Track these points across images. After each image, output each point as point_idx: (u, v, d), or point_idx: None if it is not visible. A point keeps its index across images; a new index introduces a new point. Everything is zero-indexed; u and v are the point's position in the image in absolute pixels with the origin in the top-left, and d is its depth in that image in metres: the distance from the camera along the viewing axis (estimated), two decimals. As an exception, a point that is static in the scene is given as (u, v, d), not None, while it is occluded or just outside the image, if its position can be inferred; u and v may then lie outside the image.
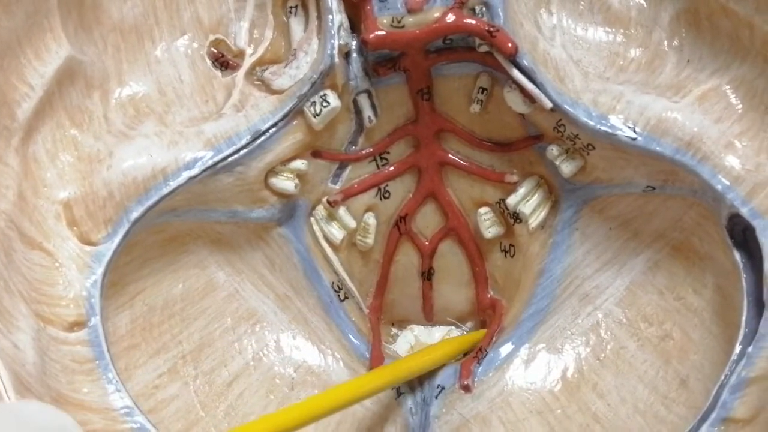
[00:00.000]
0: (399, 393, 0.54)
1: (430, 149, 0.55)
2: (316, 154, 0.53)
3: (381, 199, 0.56)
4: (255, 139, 0.50)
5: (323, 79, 0.50)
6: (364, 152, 0.54)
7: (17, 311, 0.44)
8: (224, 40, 0.53)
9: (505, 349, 0.54)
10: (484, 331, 0.57)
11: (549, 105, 0.49)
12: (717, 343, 0.49)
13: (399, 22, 0.50)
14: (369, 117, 0.53)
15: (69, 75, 0.49)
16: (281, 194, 0.53)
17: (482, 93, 0.52)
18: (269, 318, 0.55)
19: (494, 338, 0.55)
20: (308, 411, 0.44)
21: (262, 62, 0.53)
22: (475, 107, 0.53)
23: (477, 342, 0.55)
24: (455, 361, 0.55)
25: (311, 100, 0.50)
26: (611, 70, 0.51)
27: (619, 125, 0.48)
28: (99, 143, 0.49)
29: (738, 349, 0.45)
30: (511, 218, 0.55)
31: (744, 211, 0.46)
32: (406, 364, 0.53)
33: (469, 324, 0.60)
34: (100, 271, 0.47)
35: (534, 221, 0.53)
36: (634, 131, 0.48)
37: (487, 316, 0.58)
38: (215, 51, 0.53)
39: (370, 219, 0.56)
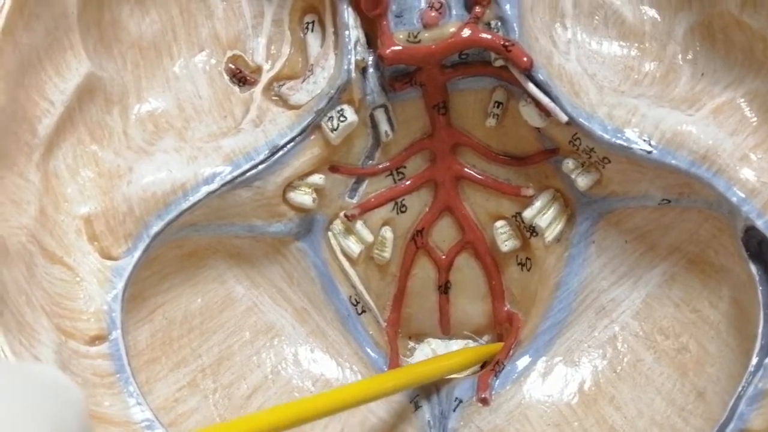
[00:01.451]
0: (417, 406, 0.54)
1: (446, 163, 0.55)
2: (334, 168, 0.53)
3: (398, 213, 0.56)
4: (273, 154, 0.50)
5: (340, 94, 0.50)
6: (380, 167, 0.55)
7: (39, 325, 0.44)
8: (242, 56, 0.53)
9: (522, 362, 0.54)
10: (502, 344, 0.57)
11: (564, 119, 0.49)
12: (734, 355, 0.49)
13: (415, 37, 0.50)
14: (386, 131, 0.53)
15: (89, 91, 0.49)
16: (299, 209, 0.53)
17: (498, 107, 0.53)
18: (287, 331, 0.55)
19: (511, 351, 0.55)
20: (320, 405, 0.44)
21: (279, 78, 0.53)
22: (491, 121, 0.53)
23: (494, 353, 0.55)
24: (472, 373, 0.55)
25: (328, 115, 0.51)
26: (626, 83, 0.51)
27: (635, 138, 0.48)
28: (119, 159, 0.49)
29: (755, 360, 0.45)
30: (527, 231, 0.55)
31: (759, 224, 0.46)
32: (421, 368, 0.53)
33: (486, 337, 0.60)
34: (120, 285, 0.47)
35: (550, 234, 0.54)
36: (650, 144, 0.48)
37: (504, 330, 0.58)
38: (233, 67, 0.53)
39: (387, 233, 0.56)
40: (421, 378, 0.52)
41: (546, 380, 0.53)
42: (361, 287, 0.56)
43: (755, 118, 0.48)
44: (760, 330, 0.46)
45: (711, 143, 0.47)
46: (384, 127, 0.53)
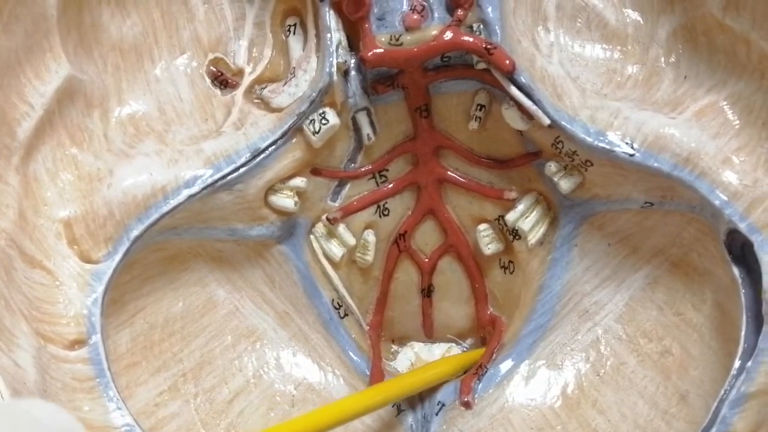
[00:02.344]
0: (400, 410, 0.54)
1: (428, 166, 0.55)
2: (316, 171, 0.53)
3: (380, 216, 0.56)
4: (254, 157, 0.50)
5: (322, 97, 0.50)
6: (363, 170, 0.54)
7: (18, 330, 0.44)
8: (223, 58, 0.53)
9: (506, 365, 0.54)
10: (484, 349, 0.57)
11: (547, 122, 0.49)
12: (716, 358, 0.49)
13: (397, 39, 0.50)
14: (368, 134, 0.53)
15: (69, 94, 0.49)
16: (281, 212, 0.53)
17: (480, 110, 0.53)
18: (269, 335, 0.55)
19: (494, 355, 0.55)
20: (308, 425, 0.44)
21: (261, 80, 0.53)
22: (474, 124, 0.53)
23: (476, 360, 0.55)
24: (455, 377, 0.55)
25: (310, 117, 0.50)
26: (609, 86, 0.51)
27: (617, 141, 0.48)
28: (99, 162, 0.49)
29: (737, 364, 0.45)
30: (510, 235, 0.55)
31: (742, 227, 0.46)
32: (406, 381, 0.53)
33: (469, 341, 0.60)
34: (100, 289, 0.47)
35: (533, 238, 0.53)
36: (632, 147, 0.48)
37: (487, 333, 0.58)
38: (214, 69, 0.53)
39: (370, 236, 0.56)
40: (406, 391, 0.52)
41: (529, 384, 0.53)
42: (343, 291, 0.56)
43: (738, 121, 0.48)
44: (742, 333, 0.46)
45: (693, 146, 0.47)
46: (366, 130, 0.53)
